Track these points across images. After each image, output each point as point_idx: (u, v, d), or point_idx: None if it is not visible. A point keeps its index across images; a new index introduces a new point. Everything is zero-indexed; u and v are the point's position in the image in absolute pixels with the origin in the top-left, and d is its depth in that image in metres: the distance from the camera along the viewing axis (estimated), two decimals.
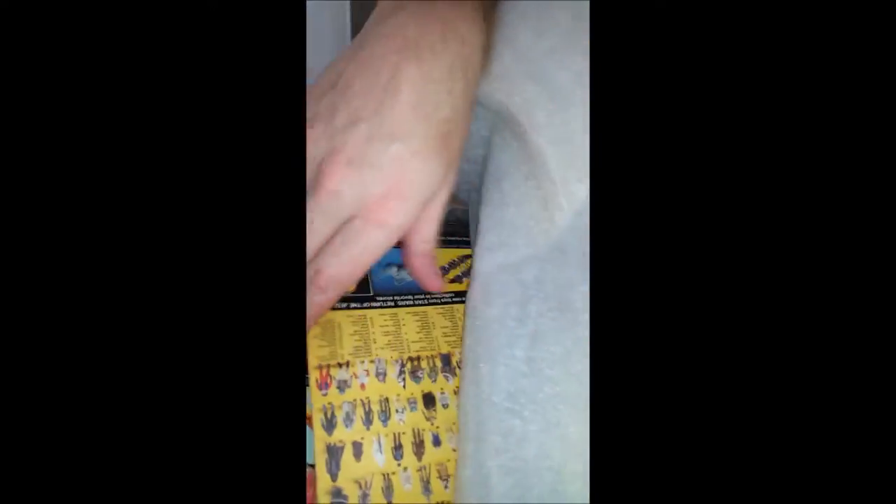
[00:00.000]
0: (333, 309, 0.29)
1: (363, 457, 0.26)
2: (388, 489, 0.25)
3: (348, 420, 0.26)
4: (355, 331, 0.29)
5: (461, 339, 0.31)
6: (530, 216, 0.26)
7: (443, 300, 0.32)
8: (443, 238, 0.35)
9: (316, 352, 0.27)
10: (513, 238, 0.26)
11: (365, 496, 0.25)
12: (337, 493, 0.25)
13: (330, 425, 0.26)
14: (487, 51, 0.25)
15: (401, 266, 0.33)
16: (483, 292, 0.27)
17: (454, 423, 0.28)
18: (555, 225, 0.25)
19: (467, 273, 0.34)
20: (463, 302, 0.32)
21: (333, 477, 0.25)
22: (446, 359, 0.30)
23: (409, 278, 0.32)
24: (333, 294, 0.23)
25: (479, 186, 0.30)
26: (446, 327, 0.31)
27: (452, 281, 0.33)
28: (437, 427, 0.28)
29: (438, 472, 0.27)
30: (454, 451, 0.27)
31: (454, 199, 0.39)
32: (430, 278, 0.27)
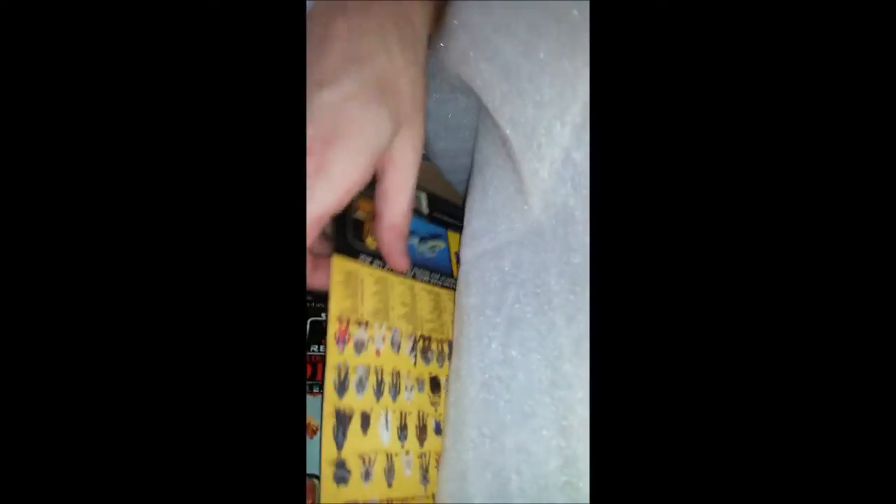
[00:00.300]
0: (358, 261, 0.25)
1: (370, 431, 0.23)
2: (389, 471, 0.22)
3: (360, 386, 0.23)
4: (376, 291, 0.26)
5: None
6: (509, 201, 0.25)
7: (453, 287, 0.30)
8: (458, 224, 0.34)
9: (339, 301, 0.24)
10: (494, 224, 0.26)
11: (368, 474, 0.22)
12: (341, 465, 0.21)
13: (342, 387, 0.22)
14: (432, 21, 0.25)
15: (423, 238, 0.31)
16: (465, 282, 0.26)
17: None
18: (531, 208, 0.24)
19: None
20: None
21: (339, 446, 0.21)
22: (451, 346, 0.28)
23: (429, 253, 0.30)
24: None
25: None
26: (454, 313, 0.29)
27: None
28: (440, 415, 0.26)
29: (437, 461, 0.24)
30: None
31: (459, 194, 0.38)
32: (395, 256, 0.24)
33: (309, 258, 0.24)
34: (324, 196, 0.20)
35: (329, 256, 0.24)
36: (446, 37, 0.26)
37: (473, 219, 0.27)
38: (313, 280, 0.24)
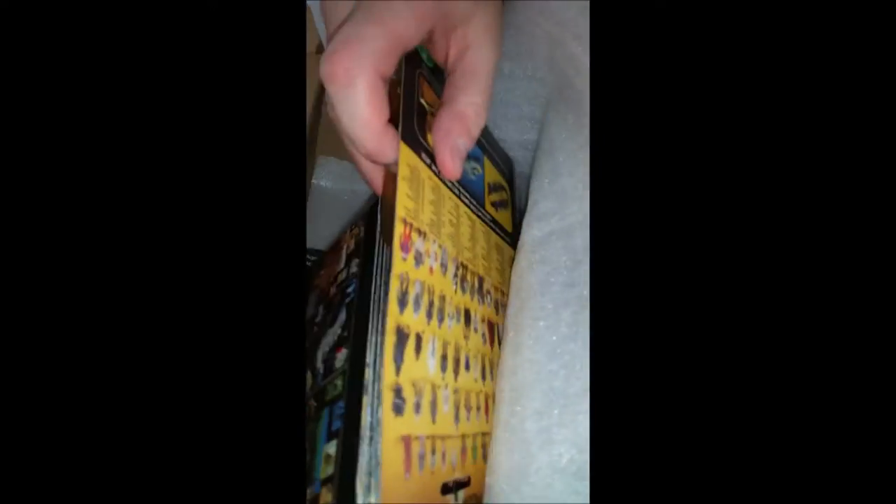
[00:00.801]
0: (420, 158, 0.21)
1: (421, 356, 0.19)
2: (433, 405, 0.19)
3: (417, 304, 0.19)
4: (432, 200, 0.22)
5: (496, 274, 0.27)
6: (582, 183, 0.25)
7: (485, 219, 0.27)
8: (492, 153, 0.31)
9: (404, 201, 0.20)
10: (565, 205, 0.25)
11: (418, 407, 0.18)
12: (398, 393, 0.18)
13: (403, 301, 0.19)
14: None
15: (477, 160, 0.27)
16: (532, 259, 0.25)
17: (481, 353, 0.24)
18: None
19: (504, 204, 0.30)
20: (497, 234, 0.28)
21: (397, 370, 0.18)
22: (480, 282, 0.25)
23: (471, 175, 0.27)
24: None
25: (532, 164, 0.29)
26: (483, 249, 0.26)
27: (493, 204, 0.29)
28: (469, 350, 0.23)
29: (466, 400, 0.22)
30: (475, 382, 0.23)
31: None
32: (451, 157, 0.22)
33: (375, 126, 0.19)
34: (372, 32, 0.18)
35: (391, 140, 0.20)
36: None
37: (541, 200, 0.26)
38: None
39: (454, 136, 0.21)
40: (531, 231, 0.25)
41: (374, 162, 0.21)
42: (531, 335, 0.23)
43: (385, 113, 0.19)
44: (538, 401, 0.21)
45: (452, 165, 0.22)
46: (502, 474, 0.21)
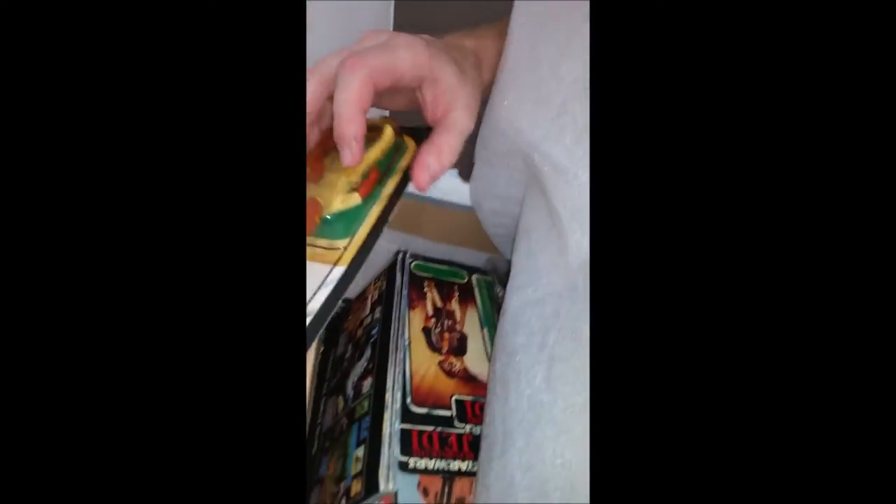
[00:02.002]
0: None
1: None
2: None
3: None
4: None
5: None
6: (551, 261, 0.31)
7: None
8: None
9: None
10: (537, 279, 0.31)
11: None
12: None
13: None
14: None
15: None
16: (513, 324, 0.31)
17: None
18: (569, 268, 0.30)
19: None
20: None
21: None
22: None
23: None
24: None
25: (514, 238, 0.35)
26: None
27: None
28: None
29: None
30: None
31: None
32: (420, 170, 0.27)
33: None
34: (353, 81, 0.25)
35: None
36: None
37: (519, 273, 0.31)
38: None
39: (429, 158, 0.27)
40: (510, 300, 0.32)
41: (341, 141, 0.27)
42: (514, 388, 0.29)
43: (365, 108, 0.26)
44: (520, 441, 0.27)
45: (421, 179, 0.28)
46: (492, 491, 0.27)
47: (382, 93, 0.26)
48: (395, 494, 0.25)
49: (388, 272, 0.36)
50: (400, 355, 0.29)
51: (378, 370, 0.28)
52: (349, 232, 0.25)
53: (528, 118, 0.31)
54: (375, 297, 0.35)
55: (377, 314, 0.33)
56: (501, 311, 0.32)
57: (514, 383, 0.29)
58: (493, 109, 0.33)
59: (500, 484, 0.27)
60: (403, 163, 0.29)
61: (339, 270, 0.23)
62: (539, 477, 0.26)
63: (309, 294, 0.22)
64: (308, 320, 0.21)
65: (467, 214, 0.44)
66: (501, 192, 0.36)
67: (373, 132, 0.28)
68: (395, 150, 0.30)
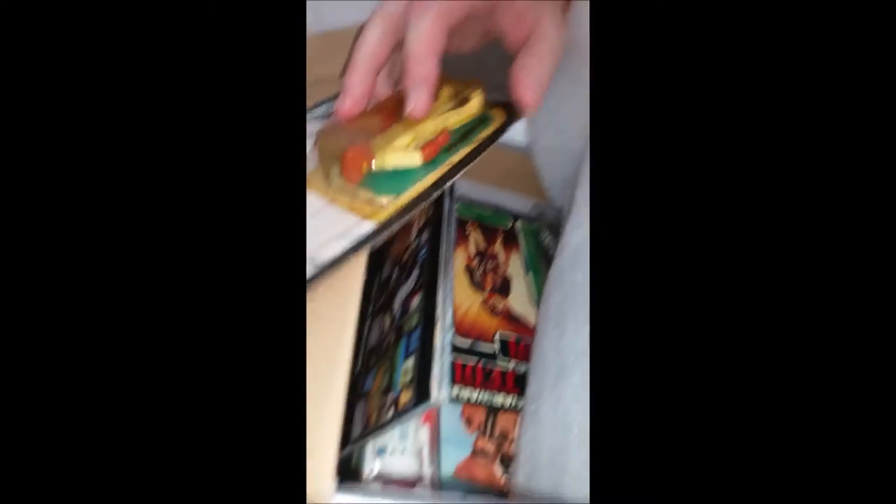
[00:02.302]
0: None
1: None
2: None
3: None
4: None
5: None
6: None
7: None
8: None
9: None
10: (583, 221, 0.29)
11: None
12: None
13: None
14: None
15: None
16: (571, 261, 0.29)
17: None
18: None
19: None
20: None
21: None
22: None
23: None
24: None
25: (567, 179, 0.34)
26: None
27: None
28: None
29: None
30: None
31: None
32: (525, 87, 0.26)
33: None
34: (426, 24, 0.23)
35: None
36: None
37: (580, 210, 0.29)
38: None
39: (532, 70, 0.26)
40: (570, 237, 0.29)
41: (409, 83, 0.25)
42: (572, 323, 0.27)
43: (438, 49, 0.24)
44: (576, 376, 0.25)
45: (529, 96, 0.26)
46: (543, 423, 0.26)
47: (455, 30, 0.24)
48: (438, 414, 0.25)
49: (437, 199, 0.35)
50: (450, 274, 0.28)
51: (427, 287, 0.27)
52: (397, 190, 0.24)
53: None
54: (422, 223, 0.34)
55: (424, 238, 0.33)
56: (559, 248, 0.30)
57: (573, 319, 0.27)
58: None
59: (552, 416, 0.26)
60: (484, 133, 0.27)
61: (367, 225, 0.22)
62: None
63: (324, 239, 0.21)
64: (312, 269, 0.20)
65: (515, 155, 0.42)
66: (563, 124, 0.35)
67: (461, 101, 0.27)
68: (480, 122, 0.28)
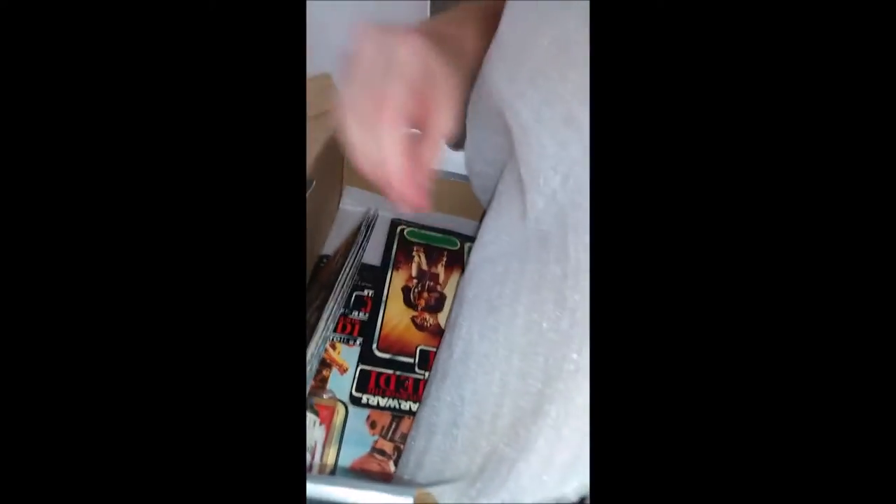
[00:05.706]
0: None
1: None
2: None
3: None
4: None
5: None
6: (511, 222, 0.32)
7: None
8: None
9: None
10: (497, 237, 0.32)
11: None
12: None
13: None
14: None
15: None
16: (468, 278, 0.32)
17: None
18: (525, 229, 0.30)
19: None
20: None
21: None
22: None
23: None
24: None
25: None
26: None
27: None
28: None
29: None
30: None
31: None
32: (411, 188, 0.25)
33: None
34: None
35: None
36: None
37: (485, 231, 0.33)
38: None
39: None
40: (473, 255, 0.33)
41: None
42: (456, 334, 0.30)
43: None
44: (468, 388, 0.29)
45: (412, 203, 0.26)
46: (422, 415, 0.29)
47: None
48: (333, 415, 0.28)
49: (356, 230, 0.40)
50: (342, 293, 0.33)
51: (320, 304, 0.32)
52: None
53: (507, 77, 0.30)
54: (342, 250, 0.39)
55: (339, 263, 0.37)
56: (465, 265, 0.33)
57: (466, 329, 0.31)
58: (482, 74, 0.32)
59: (446, 414, 0.29)
60: None
61: None
62: (483, 406, 0.28)
63: None
64: None
65: (462, 184, 0.46)
66: (488, 156, 0.37)
67: None
68: None
